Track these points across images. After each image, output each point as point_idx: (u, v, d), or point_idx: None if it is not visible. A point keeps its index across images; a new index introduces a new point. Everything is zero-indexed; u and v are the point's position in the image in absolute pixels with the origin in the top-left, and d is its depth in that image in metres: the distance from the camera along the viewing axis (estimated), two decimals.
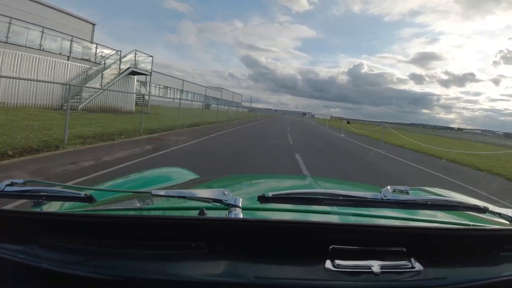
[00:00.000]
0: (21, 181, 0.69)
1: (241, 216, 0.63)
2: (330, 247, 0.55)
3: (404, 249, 0.56)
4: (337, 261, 0.53)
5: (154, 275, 0.50)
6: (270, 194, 0.65)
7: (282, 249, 0.56)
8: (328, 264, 0.53)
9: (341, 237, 0.57)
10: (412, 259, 0.55)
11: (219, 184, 1.39)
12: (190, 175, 1.61)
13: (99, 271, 0.50)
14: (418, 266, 0.54)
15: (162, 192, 0.71)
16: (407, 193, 0.78)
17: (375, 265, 0.53)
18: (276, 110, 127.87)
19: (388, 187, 0.69)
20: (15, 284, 0.53)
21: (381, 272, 0.52)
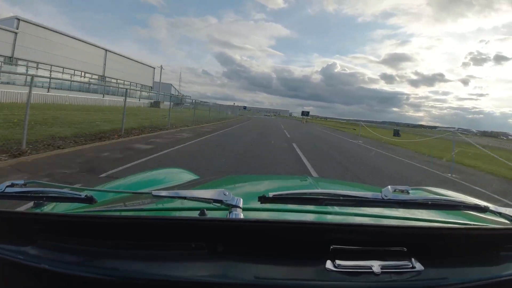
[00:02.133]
0: (22, 182, 0.69)
1: (241, 216, 0.63)
2: (331, 247, 0.55)
3: (405, 249, 0.56)
4: (338, 261, 0.53)
5: (155, 275, 0.50)
6: (270, 194, 0.65)
7: (283, 249, 0.56)
8: (328, 264, 0.53)
9: (341, 237, 0.56)
10: (412, 259, 0.55)
11: (220, 184, 1.39)
12: (190, 176, 1.61)
13: (99, 272, 0.50)
14: (418, 266, 0.54)
15: (162, 193, 0.71)
16: (408, 193, 0.77)
17: (376, 265, 0.53)
18: (246, 108, 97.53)
19: (389, 187, 0.69)
20: (15, 284, 0.53)
21: (382, 272, 0.52)
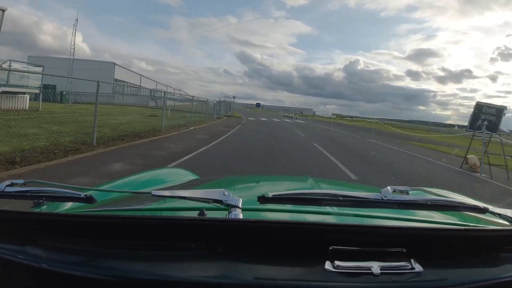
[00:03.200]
0: (21, 181, 0.69)
1: (241, 216, 0.63)
2: (330, 248, 0.55)
3: (404, 250, 0.56)
4: (337, 262, 0.53)
5: (154, 275, 0.50)
6: (270, 194, 0.65)
7: (282, 250, 0.56)
8: (327, 265, 0.53)
9: (341, 238, 0.56)
10: (412, 260, 0.55)
11: (219, 184, 1.39)
12: (190, 176, 1.61)
13: (99, 272, 0.50)
14: (418, 267, 0.54)
15: (162, 193, 0.71)
16: (407, 194, 0.77)
17: (375, 266, 0.53)
18: (259, 106, 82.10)
19: (388, 187, 0.69)
20: (15, 284, 0.53)
21: (381, 273, 0.52)
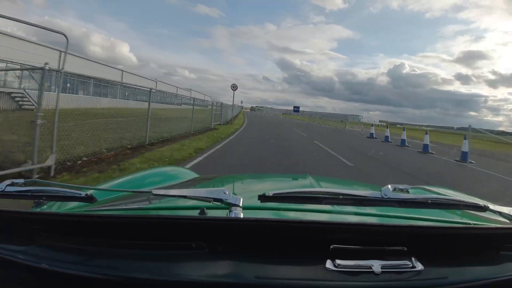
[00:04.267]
0: (22, 181, 0.69)
1: (241, 215, 0.63)
2: (331, 247, 0.55)
3: (405, 248, 0.56)
4: (338, 261, 0.53)
5: (155, 275, 0.50)
6: (270, 193, 0.65)
7: (283, 248, 0.56)
8: (328, 264, 0.53)
9: (341, 236, 0.56)
10: (412, 259, 0.55)
11: (220, 183, 1.39)
12: (190, 175, 1.61)
13: (99, 271, 0.50)
14: (418, 266, 0.54)
15: (162, 192, 0.71)
16: (408, 192, 0.77)
17: (376, 265, 0.53)
18: (297, 111, 60.37)
19: (389, 186, 0.69)
20: (15, 284, 0.53)
21: (382, 271, 0.52)
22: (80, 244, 0.56)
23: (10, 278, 0.53)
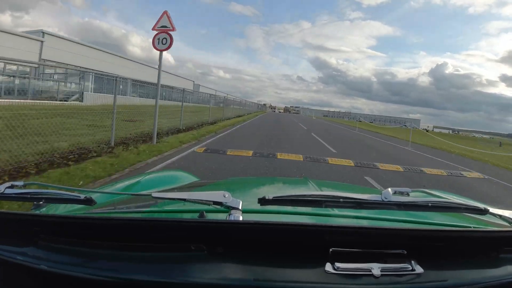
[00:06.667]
0: (21, 183, 0.69)
1: (241, 218, 0.63)
2: (330, 250, 0.55)
3: (405, 252, 0.56)
4: (337, 264, 0.53)
5: (154, 277, 0.49)
6: (270, 196, 0.65)
7: (282, 251, 0.56)
8: (328, 267, 0.53)
9: (341, 239, 0.56)
10: (412, 262, 0.55)
11: (220, 186, 1.38)
12: (190, 178, 1.61)
13: (99, 273, 0.50)
14: (418, 269, 0.54)
15: (162, 195, 0.71)
16: (408, 195, 0.77)
17: (375, 268, 0.52)
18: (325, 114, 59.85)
19: (389, 189, 0.69)
20: (15, 285, 0.52)
21: (381, 275, 0.52)
22: (79, 246, 0.56)
23: (10, 279, 0.52)
